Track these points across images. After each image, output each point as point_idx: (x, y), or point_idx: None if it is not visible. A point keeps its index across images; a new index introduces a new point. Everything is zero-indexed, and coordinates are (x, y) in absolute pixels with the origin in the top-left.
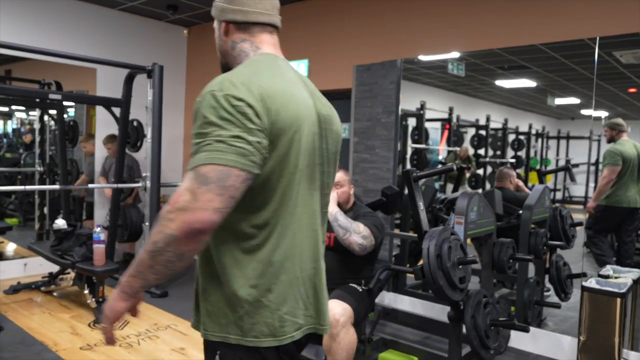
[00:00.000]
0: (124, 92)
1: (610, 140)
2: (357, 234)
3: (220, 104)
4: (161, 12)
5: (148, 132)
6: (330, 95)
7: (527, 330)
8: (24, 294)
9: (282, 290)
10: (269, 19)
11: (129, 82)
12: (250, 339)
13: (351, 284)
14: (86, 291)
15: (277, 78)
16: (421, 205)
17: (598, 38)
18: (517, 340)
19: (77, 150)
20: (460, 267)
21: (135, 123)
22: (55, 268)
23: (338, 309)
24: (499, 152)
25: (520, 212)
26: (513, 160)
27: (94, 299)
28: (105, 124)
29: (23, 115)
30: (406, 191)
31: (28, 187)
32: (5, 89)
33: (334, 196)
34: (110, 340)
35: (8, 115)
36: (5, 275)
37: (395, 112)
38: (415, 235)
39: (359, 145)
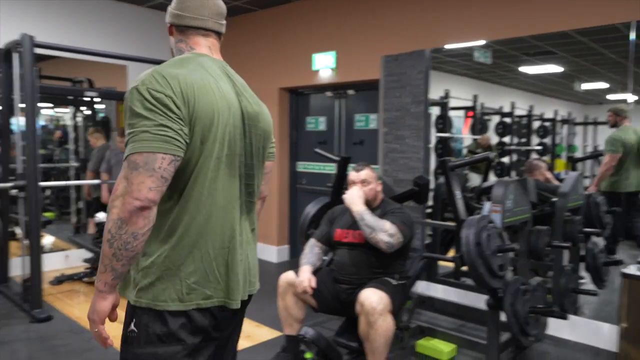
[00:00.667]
0: None
1: (613, 125)
2: (384, 232)
3: (144, 97)
4: None
5: None
6: (358, 86)
7: (565, 318)
8: (67, 285)
9: (192, 262)
10: (202, 23)
11: None
12: (160, 304)
13: (385, 278)
14: None
15: (197, 72)
16: (458, 195)
17: (635, 22)
18: (555, 327)
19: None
20: (499, 254)
21: None
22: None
23: (374, 297)
24: (524, 140)
25: (555, 199)
26: (539, 148)
27: None
28: None
29: (50, 112)
30: (440, 180)
31: (72, 183)
32: (47, 88)
33: (359, 194)
34: (105, 342)
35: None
36: (48, 267)
37: (425, 102)
38: (447, 223)
39: (388, 136)
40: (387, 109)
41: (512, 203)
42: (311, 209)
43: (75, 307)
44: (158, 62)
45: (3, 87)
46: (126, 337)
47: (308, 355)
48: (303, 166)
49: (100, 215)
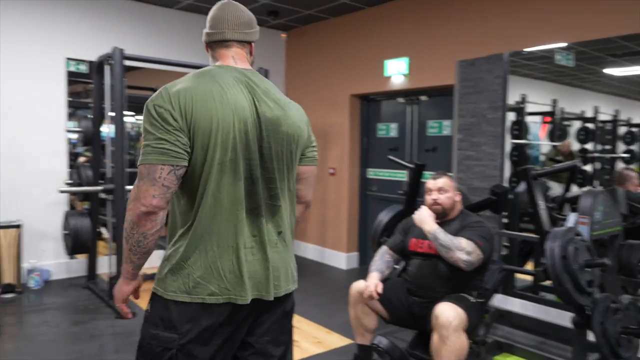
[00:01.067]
0: None
1: None
2: (461, 250)
3: (150, 113)
4: (262, 19)
5: None
6: (431, 91)
7: None
8: (149, 283)
9: (198, 258)
10: (222, 36)
11: None
12: (169, 293)
13: (462, 294)
14: None
15: (205, 84)
16: (542, 205)
17: None
18: None
19: None
20: (587, 270)
21: None
22: None
23: (451, 312)
24: (608, 147)
25: None
26: (626, 155)
27: None
28: None
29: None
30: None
31: None
32: (134, 97)
33: (429, 213)
34: (126, 315)
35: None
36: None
37: (502, 108)
38: (526, 234)
39: (463, 143)
40: (462, 115)
41: (602, 215)
42: (384, 216)
43: None
44: None
45: (95, 96)
46: (145, 315)
47: None
48: (374, 173)
49: None
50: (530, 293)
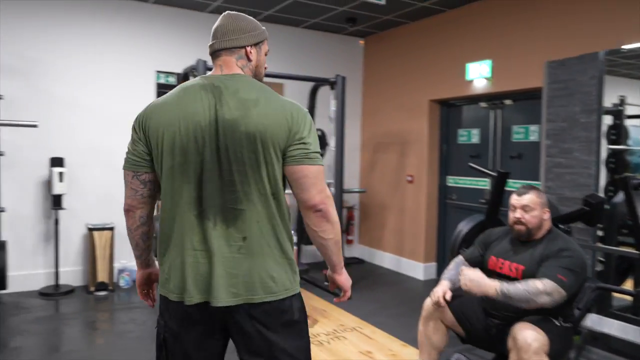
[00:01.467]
0: (308, 104)
1: None
2: (540, 294)
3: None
4: (340, 26)
5: (331, 141)
6: (515, 95)
7: None
8: None
9: (165, 255)
10: (211, 49)
11: (313, 94)
12: (160, 287)
13: (548, 317)
14: None
15: (167, 96)
16: None
17: None
18: None
19: None
20: None
21: (319, 133)
22: None
23: (530, 334)
24: None
25: None
26: None
27: None
28: None
29: None
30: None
31: None
32: None
33: (479, 275)
34: (148, 303)
35: None
36: None
37: (598, 111)
38: (625, 250)
39: (552, 149)
40: (551, 120)
41: None
42: (464, 226)
43: None
44: (312, 80)
45: None
46: None
47: None
48: (454, 180)
49: None
50: (631, 314)
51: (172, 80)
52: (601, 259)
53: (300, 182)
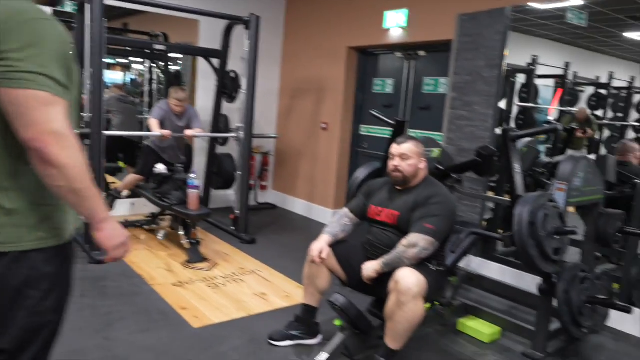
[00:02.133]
0: (222, 43)
1: None
2: (412, 251)
3: None
4: None
5: (243, 83)
6: (429, 46)
7: (629, 311)
8: (129, 231)
9: None
10: None
11: (227, 33)
12: None
13: (424, 262)
14: (181, 232)
15: None
16: (517, 168)
17: None
18: (619, 320)
19: None
20: (557, 237)
21: (232, 74)
22: (157, 209)
23: (412, 278)
24: (620, 115)
25: (637, 181)
26: (636, 124)
27: (187, 240)
28: (205, 74)
29: (141, 67)
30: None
31: (135, 133)
32: (114, 40)
33: (369, 267)
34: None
35: (127, 67)
36: (115, 213)
37: (500, 66)
38: (503, 198)
39: (457, 102)
40: (458, 73)
41: (582, 181)
42: (361, 173)
43: (133, 252)
44: (226, 17)
45: (76, 38)
46: None
47: (337, 322)
48: (366, 129)
49: (160, 167)
50: (512, 258)
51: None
52: (492, 207)
53: (6, 110)
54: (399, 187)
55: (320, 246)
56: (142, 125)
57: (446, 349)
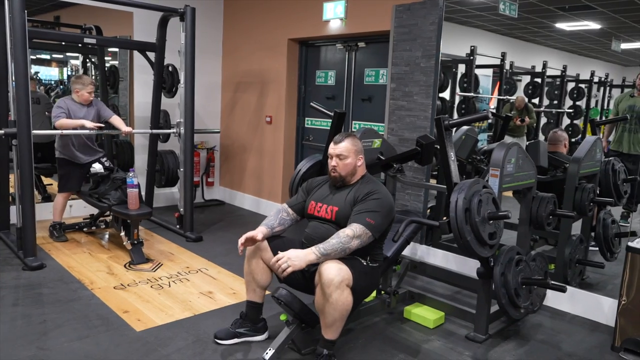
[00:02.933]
0: (157, 36)
1: None
2: (351, 239)
3: None
4: None
5: (182, 77)
6: (368, 38)
7: (563, 290)
8: (68, 234)
9: None
10: None
11: (162, 25)
12: None
13: (356, 257)
14: (122, 233)
15: None
16: (452, 156)
17: None
18: (555, 299)
19: (122, 96)
20: (491, 222)
21: (170, 68)
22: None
23: (334, 269)
24: (555, 102)
25: (567, 165)
26: (570, 111)
27: (129, 241)
28: (142, 69)
29: (77, 62)
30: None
31: (65, 132)
32: (38, 33)
33: (294, 254)
34: None
35: (63, 63)
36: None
37: (436, 57)
38: (437, 185)
39: (396, 92)
40: (396, 63)
41: (514, 167)
42: (303, 165)
43: (71, 256)
44: (159, 9)
45: None
46: None
47: (283, 317)
48: (311, 122)
49: (96, 166)
50: (456, 244)
51: None
52: (435, 195)
53: None
54: (338, 185)
55: (250, 234)
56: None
57: (393, 337)
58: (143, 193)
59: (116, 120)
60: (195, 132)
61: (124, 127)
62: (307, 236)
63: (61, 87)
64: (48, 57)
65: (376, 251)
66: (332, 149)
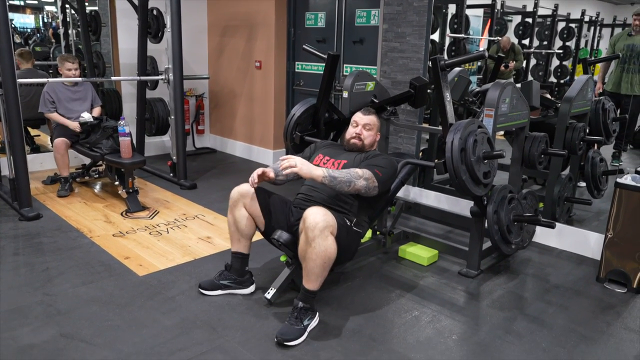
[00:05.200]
0: None
1: None
2: (359, 178)
3: None
4: None
5: (167, 21)
6: None
7: (552, 227)
8: (60, 185)
9: None
10: None
11: None
12: None
13: (343, 213)
14: (116, 182)
15: None
16: (448, 96)
17: None
18: (543, 235)
19: (104, 44)
20: (486, 161)
21: (155, 12)
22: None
23: (319, 214)
24: (545, 43)
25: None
26: (560, 52)
27: (124, 190)
28: (125, 13)
29: (53, 8)
30: None
31: (51, 80)
32: None
33: (300, 160)
34: None
35: (38, 9)
36: (43, 167)
37: None
38: (432, 127)
39: (389, 33)
40: (388, 3)
41: (508, 107)
42: (297, 110)
43: (67, 206)
44: None
45: None
46: None
47: (283, 258)
48: (301, 66)
49: (85, 115)
50: (447, 186)
51: None
52: (427, 138)
53: None
54: (351, 150)
55: (262, 170)
56: None
57: (388, 275)
58: (134, 142)
59: (96, 110)
60: (184, 78)
61: (87, 115)
62: (303, 187)
63: (38, 35)
64: (21, 2)
65: (363, 217)
66: (360, 118)
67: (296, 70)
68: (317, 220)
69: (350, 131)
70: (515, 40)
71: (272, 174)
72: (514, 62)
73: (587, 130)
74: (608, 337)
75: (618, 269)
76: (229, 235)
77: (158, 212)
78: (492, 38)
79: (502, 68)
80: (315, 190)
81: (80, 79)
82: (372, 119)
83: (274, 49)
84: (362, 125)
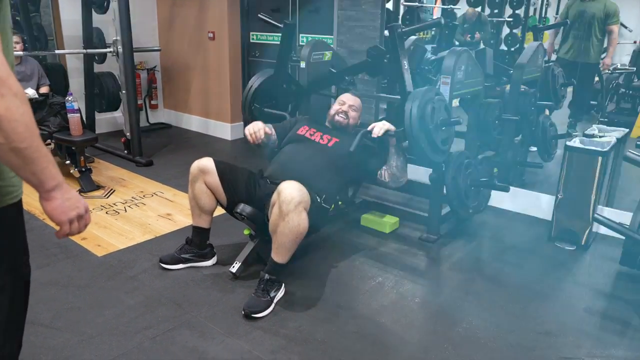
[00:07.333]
0: None
1: None
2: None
3: None
4: None
5: None
6: None
7: (506, 190)
8: None
9: None
10: None
11: None
12: None
13: (313, 191)
14: (67, 161)
15: None
16: (405, 65)
17: None
18: (498, 199)
19: (44, 15)
20: (444, 128)
21: None
22: None
23: (295, 188)
24: (496, 11)
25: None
26: (510, 20)
27: (76, 169)
28: None
29: None
30: None
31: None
32: None
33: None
34: None
35: None
36: None
37: None
38: (389, 96)
39: (344, 2)
40: None
41: (464, 74)
42: (254, 81)
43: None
44: None
45: None
46: None
47: (246, 231)
48: (256, 37)
49: (29, 92)
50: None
51: None
52: (385, 107)
53: None
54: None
55: (257, 125)
56: None
57: (351, 243)
58: (84, 118)
59: (44, 89)
60: (133, 51)
61: (31, 92)
62: (281, 158)
63: None
64: None
65: (334, 194)
66: (347, 98)
67: (251, 40)
68: (294, 194)
69: (336, 107)
70: (478, 11)
71: (268, 130)
72: (480, 33)
73: (538, 96)
74: (559, 292)
75: (568, 228)
76: (190, 211)
77: (114, 190)
78: (445, 6)
79: (467, 38)
80: (307, 159)
81: (22, 52)
82: (358, 101)
83: (227, 19)
84: (349, 106)
